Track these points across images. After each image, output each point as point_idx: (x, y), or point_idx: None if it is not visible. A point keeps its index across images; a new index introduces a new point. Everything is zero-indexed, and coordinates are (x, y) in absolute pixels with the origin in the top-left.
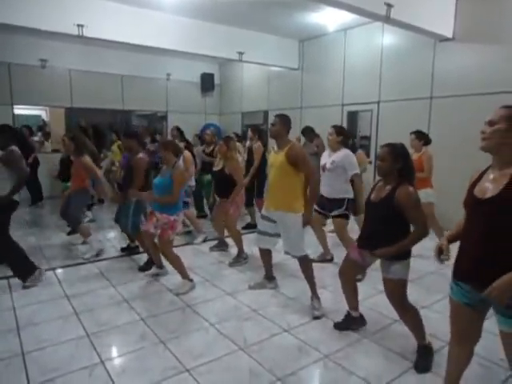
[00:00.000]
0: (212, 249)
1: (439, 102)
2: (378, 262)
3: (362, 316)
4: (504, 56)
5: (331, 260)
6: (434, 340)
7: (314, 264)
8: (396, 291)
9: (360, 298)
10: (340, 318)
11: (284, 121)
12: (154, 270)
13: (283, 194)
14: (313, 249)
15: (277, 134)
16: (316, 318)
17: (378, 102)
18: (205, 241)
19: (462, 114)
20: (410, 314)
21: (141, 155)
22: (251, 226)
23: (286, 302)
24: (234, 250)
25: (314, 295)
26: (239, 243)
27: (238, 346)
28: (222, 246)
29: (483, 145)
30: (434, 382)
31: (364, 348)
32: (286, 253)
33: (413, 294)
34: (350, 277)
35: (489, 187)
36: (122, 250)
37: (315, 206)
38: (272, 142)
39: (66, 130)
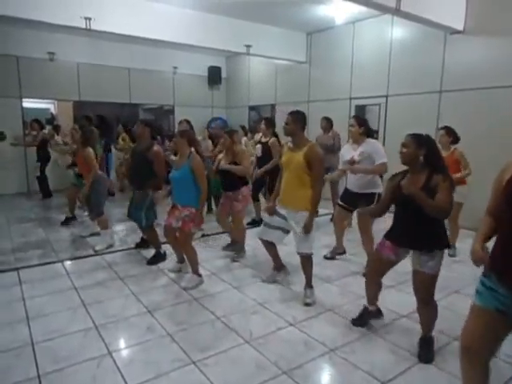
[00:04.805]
0: (224, 249)
1: (449, 95)
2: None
3: (378, 309)
4: None
5: (343, 253)
6: (441, 336)
7: (319, 259)
8: (426, 285)
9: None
10: (346, 312)
11: (297, 118)
12: (174, 264)
13: (299, 193)
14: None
15: (291, 132)
16: (307, 304)
17: (387, 96)
18: (203, 236)
19: (473, 108)
20: (430, 309)
21: (156, 147)
22: (256, 222)
23: (292, 297)
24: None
25: (308, 285)
26: (242, 239)
27: (244, 339)
28: (234, 245)
29: None
30: (439, 377)
31: (370, 343)
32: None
33: None
34: (379, 276)
35: None
36: (137, 245)
37: (340, 201)
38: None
39: (74, 123)
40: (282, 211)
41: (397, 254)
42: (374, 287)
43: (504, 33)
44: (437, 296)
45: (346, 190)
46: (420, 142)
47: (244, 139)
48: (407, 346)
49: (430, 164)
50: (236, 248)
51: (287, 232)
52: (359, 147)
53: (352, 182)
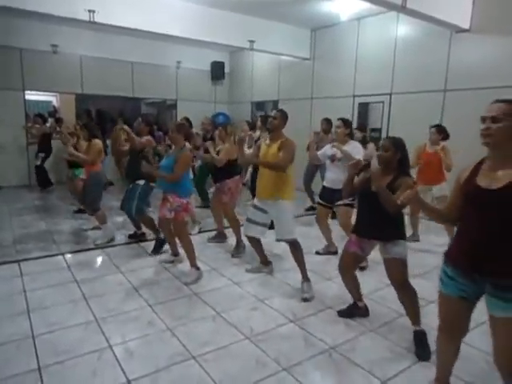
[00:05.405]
0: (209, 240)
1: (453, 94)
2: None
3: (366, 307)
4: None
5: (335, 253)
6: None
7: (319, 256)
8: (398, 270)
9: (366, 291)
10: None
11: (284, 115)
12: (168, 256)
13: (275, 183)
14: (315, 242)
15: (276, 127)
16: (305, 300)
17: (390, 94)
18: (200, 231)
19: (477, 107)
20: (408, 294)
21: (148, 137)
22: None
23: (292, 293)
24: (231, 241)
25: (304, 278)
26: (237, 232)
27: (244, 334)
28: (219, 237)
29: (489, 141)
30: None
31: (370, 341)
32: (278, 240)
33: (419, 289)
34: (351, 270)
35: (495, 178)
36: (130, 236)
37: (319, 200)
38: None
39: (77, 118)
40: (262, 205)
41: (362, 248)
42: (350, 281)
43: (510, 31)
44: (434, 294)
45: (323, 188)
46: (398, 146)
47: (251, 133)
48: (407, 344)
49: (400, 167)
50: (220, 240)
51: (267, 226)
52: (344, 147)
53: (328, 179)
